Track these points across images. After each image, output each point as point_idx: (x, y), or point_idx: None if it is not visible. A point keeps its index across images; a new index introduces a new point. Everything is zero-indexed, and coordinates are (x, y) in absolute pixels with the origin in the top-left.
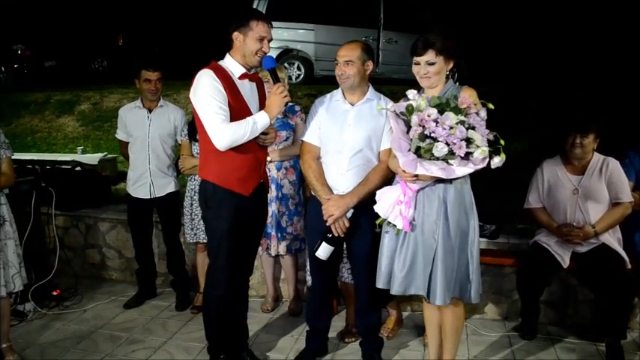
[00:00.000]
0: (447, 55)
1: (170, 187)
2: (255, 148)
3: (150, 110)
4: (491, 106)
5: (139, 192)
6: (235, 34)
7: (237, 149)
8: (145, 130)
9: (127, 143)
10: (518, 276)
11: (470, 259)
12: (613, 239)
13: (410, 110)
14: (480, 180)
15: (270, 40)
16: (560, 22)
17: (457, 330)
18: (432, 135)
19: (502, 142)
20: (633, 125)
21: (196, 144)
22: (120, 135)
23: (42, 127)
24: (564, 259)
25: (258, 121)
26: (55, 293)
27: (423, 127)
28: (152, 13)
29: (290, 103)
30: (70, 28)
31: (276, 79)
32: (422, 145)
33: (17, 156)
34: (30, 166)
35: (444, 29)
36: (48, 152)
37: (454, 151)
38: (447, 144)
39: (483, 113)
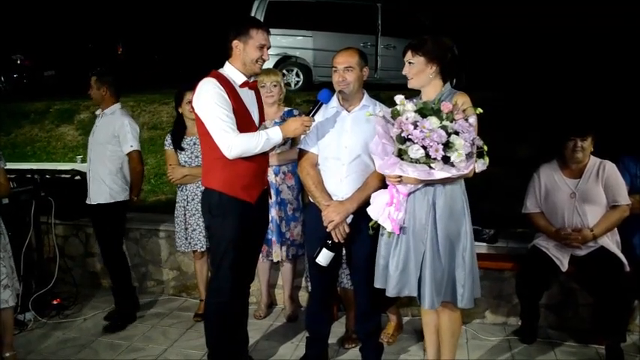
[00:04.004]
0: (428, 57)
1: (102, 198)
2: (259, 155)
3: (99, 117)
4: (479, 110)
5: (88, 195)
6: (235, 43)
7: (242, 157)
8: (91, 135)
9: None
10: (517, 280)
11: (462, 265)
12: (611, 242)
13: (395, 114)
14: (478, 184)
15: (268, 48)
16: (558, 30)
17: (454, 333)
18: (410, 137)
19: (485, 147)
20: (627, 130)
21: (182, 153)
22: None
23: (41, 137)
24: (563, 262)
25: (272, 138)
26: (55, 302)
27: (401, 129)
28: (151, 22)
29: (288, 108)
30: (70, 38)
31: (315, 113)
32: (402, 147)
33: (17, 165)
34: (29, 176)
35: (436, 33)
36: (47, 161)
37: (430, 153)
38: (423, 147)
39: (472, 119)
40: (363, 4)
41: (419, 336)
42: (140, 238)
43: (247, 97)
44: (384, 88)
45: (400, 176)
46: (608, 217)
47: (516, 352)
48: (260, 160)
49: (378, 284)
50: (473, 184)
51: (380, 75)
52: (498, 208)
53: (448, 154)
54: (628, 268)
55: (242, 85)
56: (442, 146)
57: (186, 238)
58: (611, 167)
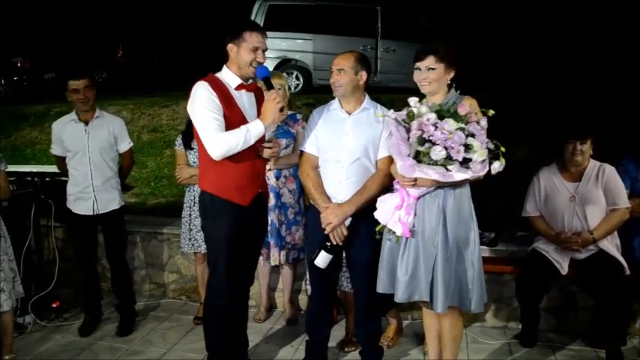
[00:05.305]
0: (447, 63)
1: (114, 204)
2: (252, 157)
3: (86, 123)
4: (491, 112)
5: (81, 208)
6: (230, 46)
7: (234, 159)
8: (83, 145)
9: (64, 158)
10: (517, 283)
11: (471, 269)
12: (611, 245)
13: (411, 116)
14: (480, 187)
15: (264, 50)
16: (558, 31)
17: (455, 338)
18: (431, 139)
19: (502, 148)
20: (627, 132)
21: (191, 152)
22: (56, 150)
23: (42, 139)
24: (563, 265)
25: (252, 129)
26: (54, 305)
27: (422, 130)
28: (151, 24)
29: (291, 112)
30: (70, 40)
31: (270, 87)
32: (421, 149)
33: (17, 168)
34: (29, 178)
35: (445, 38)
36: (47, 164)
37: (452, 155)
38: (445, 148)
39: (484, 122)
40: (363, 7)
41: (419, 339)
42: (140, 241)
43: (244, 99)
44: (384, 91)
45: (415, 179)
46: (608, 220)
47: (517, 356)
48: (254, 162)
49: (380, 289)
50: (476, 187)
51: (380, 78)
52: (498, 210)
53: (468, 156)
54: (628, 272)
55: (237, 88)
56: (463, 147)
57: (189, 239)
58: (610, 170)
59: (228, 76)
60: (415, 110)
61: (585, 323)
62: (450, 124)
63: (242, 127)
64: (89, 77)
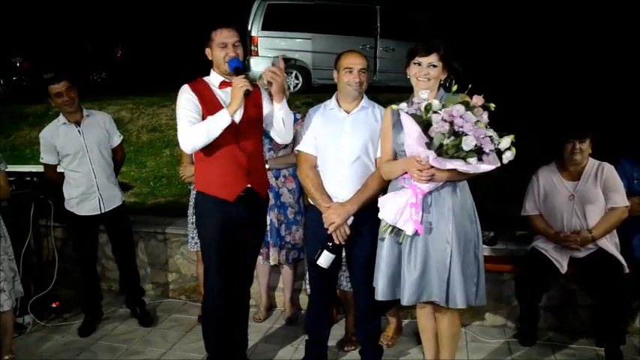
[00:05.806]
0: (445, 63)
1: (117, 200)
2: (235, 153)
3: (78, 124)
4: (492, 106)
5: (86, 209)
6: (207, 51)
7: (215, 155)
8: (81, 146)
9: (55, 166)
10: (516, 282)
11: (474, 262)
12: (610, 244)
13: (428, 109)
14: (479, 186)
15: (235, 44)
16: (557, 30)
17: (454, 336)
18: (461, 130)
19: (512, 136)
20: (625, 131)
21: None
22: (47, 159)
23: None
24: (562, 264)
25: (215, 117)
26: (54, 305)
27: (451, 122)
28: (151, 24)
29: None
30: (69, 40)
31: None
32: (447, 141)
33: (16, 168)
34: (29, 179)
35: (444, 38)
36: None
37: (482, 145)
38: (475, 138)
39: (485, 116)
40: (362, 6)
41: (418, 338)
42: (139, 241)
43: (228, 97)
44: (383, 90)
45: (433, 174)
46: (607, 218)
47: (516, 355)
48: (239, 158)
49: (380, 297)
50: (477, 185)
51: (379, 77)
52: (498, 209)
53: (492, 147)
54: (627, 270)
55: (221, 87)
56: (489, 138)
57: (192, 238)
58: (609, 169)
59: (213, 77)
60: (432, 103)
61: (585, 322)
62: (470, 115)
63: (209, 117)
64: (67, 78)
